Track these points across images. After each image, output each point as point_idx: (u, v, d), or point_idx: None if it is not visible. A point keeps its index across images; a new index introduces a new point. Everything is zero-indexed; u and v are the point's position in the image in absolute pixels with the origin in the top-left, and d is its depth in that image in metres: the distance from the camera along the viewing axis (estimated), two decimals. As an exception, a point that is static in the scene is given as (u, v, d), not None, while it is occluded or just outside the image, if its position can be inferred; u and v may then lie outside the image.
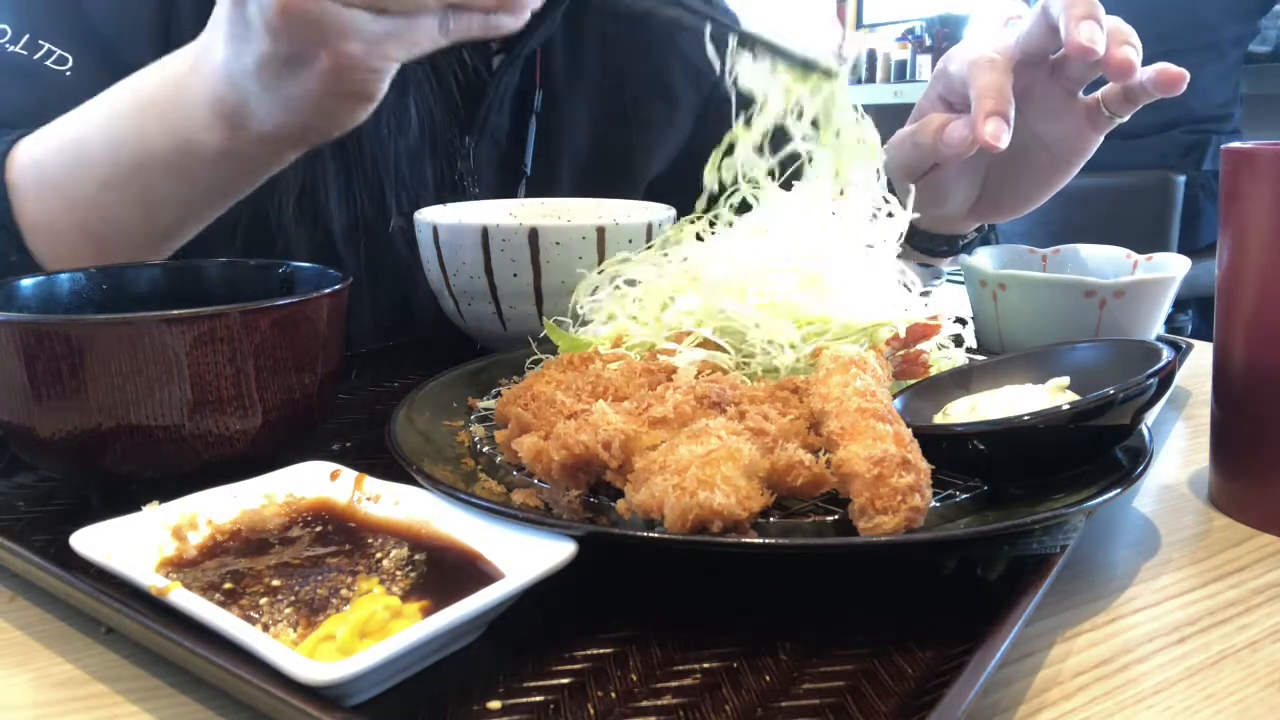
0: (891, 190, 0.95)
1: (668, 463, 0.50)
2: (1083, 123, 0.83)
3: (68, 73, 0.84)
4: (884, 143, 0.92)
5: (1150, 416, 0.58)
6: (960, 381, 0.64)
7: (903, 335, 0.68)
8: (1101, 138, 0.85)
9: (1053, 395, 0.57)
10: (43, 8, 0.86)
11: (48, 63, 0.84)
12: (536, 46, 1.05)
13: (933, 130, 0.81)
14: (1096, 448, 0.56)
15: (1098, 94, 0.83)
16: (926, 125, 0.82)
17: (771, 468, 0.51)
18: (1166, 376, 0.54)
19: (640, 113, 1.14)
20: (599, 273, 0.80)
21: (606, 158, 1.12)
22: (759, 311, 0.69)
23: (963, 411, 0.59)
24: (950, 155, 0.81)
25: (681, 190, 1.07)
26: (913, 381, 0.66)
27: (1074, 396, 0.56)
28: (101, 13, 0.86)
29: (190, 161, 0.72)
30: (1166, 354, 0.55)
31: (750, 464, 0.50)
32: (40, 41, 0.83)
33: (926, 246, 0.97)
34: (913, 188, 0.79)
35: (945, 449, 0.55)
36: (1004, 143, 0.74)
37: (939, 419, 0.60)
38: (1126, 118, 0.82)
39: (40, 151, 0.77)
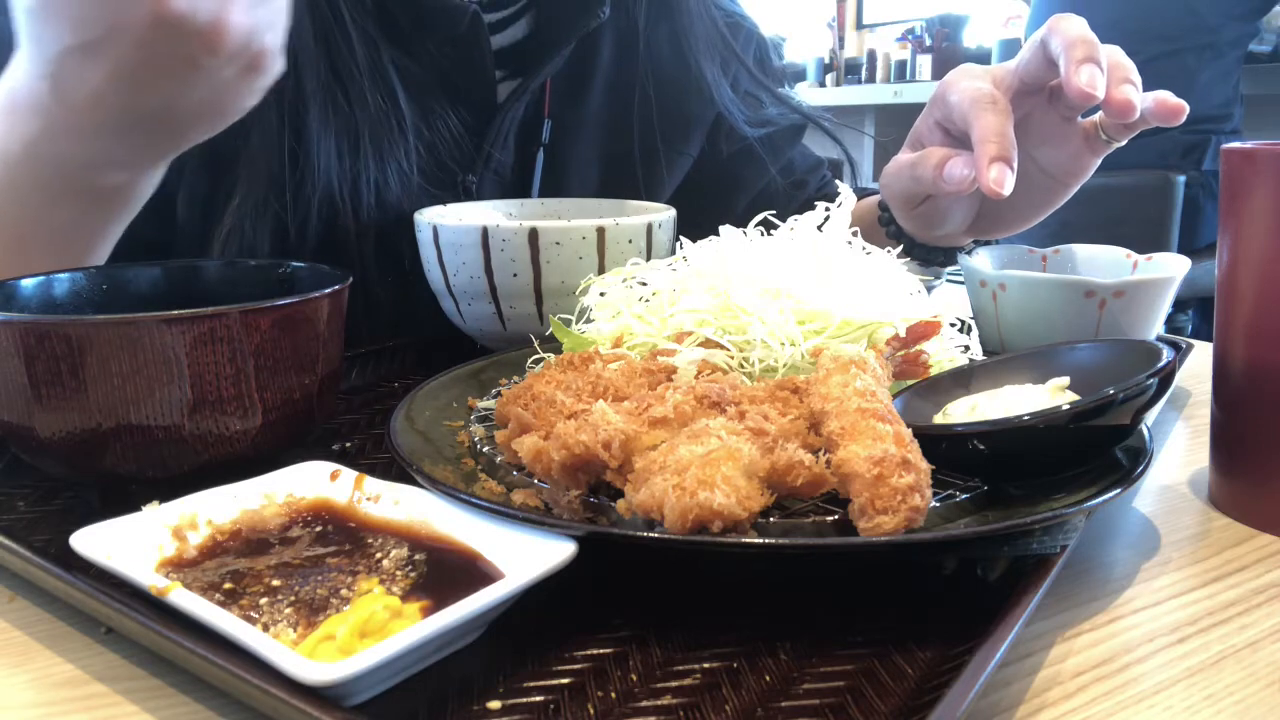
0: (888, 212, 0.96)
1: (668, 463, 0.50)
2: (1081, 147, 0.83)
3: None
4: (885, 164, 0.92)
5: (1150, 416, 0.58)
6: (960, 381, 0.64)
7: (903, 335, 0.68)
8: (1099, 161, 0.85)
9: (1053, 395, 0.57)
10: None
11: None
12: (546, 79, 1.04)
13: (932, 166, 0.81)
14: (1097, 448, 0.56)
15: (1095, 119, 0.82)
16: (926, 160, 0.82)
17: (771, 468, 0.51)
18: (1167, 376, 0.54)
19: (651, 143, 1.14)
20: (612, 274, 0.80)
21: (614, 187, 1.12)
22: (763, 298, 0.69)
23: (963, 411, 0.59)
24: (950, 193, 0.80)
25: (688, 203, 1.07)
26: (913, 381, 0.66)
27: (1074, 396, 0.56)
28: None
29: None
30: (1166, 354, 0.55)
31: (750, 464, 0.50)
32: None
33: (923, 257, 0.97)
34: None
35: (945, 449, 0.55)
36: (1008, 189, 0.73)
37: (939, 419, 0.60)
38: (1124, 142, 0.82)
39: None
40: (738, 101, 1.18)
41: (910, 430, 0.52)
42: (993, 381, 0.63)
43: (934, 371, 0.68)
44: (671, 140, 1.15)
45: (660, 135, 1.13)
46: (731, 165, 1.20)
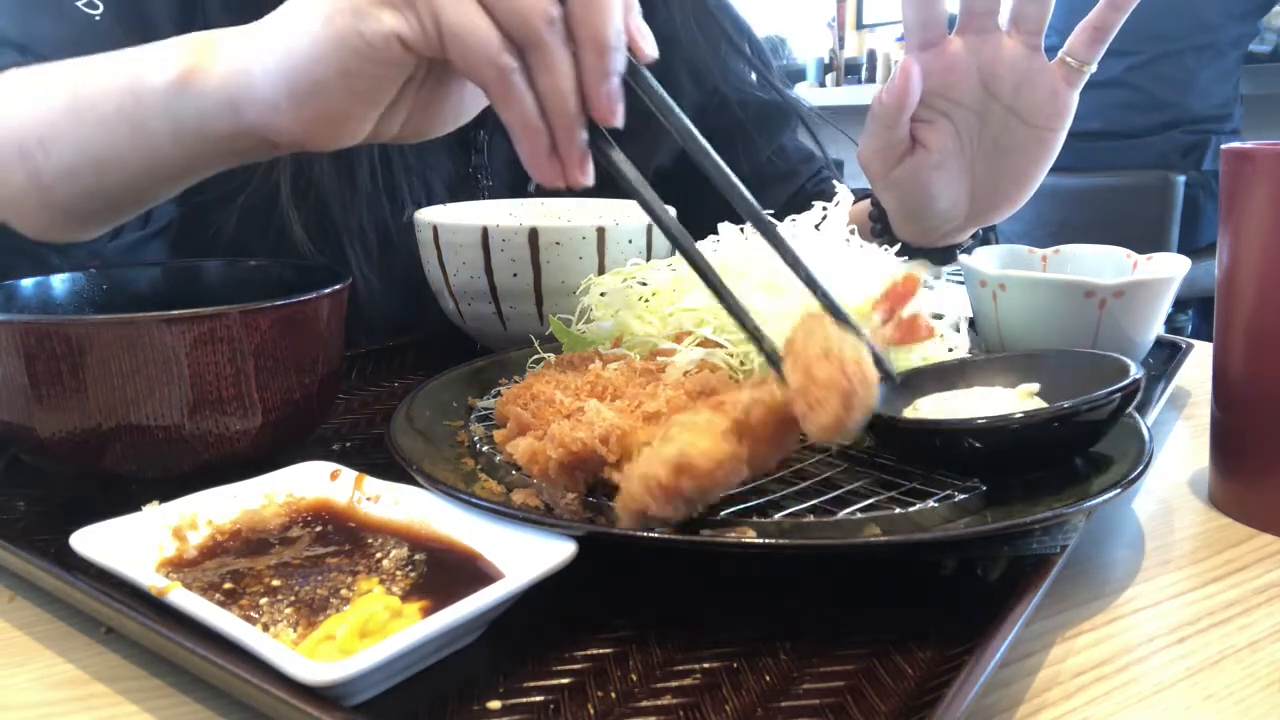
0: (880, 222, 0.95)
1: (640, 456, 0.50)
2: (1055, 82, 0.81)
3: (97, 17, 0.85)
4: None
5: (1150, 417, 0.58)
6: (940, 378, 0.65)
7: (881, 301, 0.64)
8: (1077, 95, 0.82)
9: (1021, 399, 0.59)
10: None
11: (78, 3, 0.84)
12: None
13: (873, 100, 0.82)
14: (1053, 453, 0.57)
15: (1061, 52, 0.82)
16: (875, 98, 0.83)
17: (732, 423, 0.49)
18: (1128, 396, 0.55)
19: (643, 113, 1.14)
20: (612, 274, 0.80)
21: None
22: (758, 293, 0.69)
23: (930, 407, 0.61)
24: (891, 102, 0.80)
25: (684, 182, 1.07)
26: (926, 364, 0.66)
27: (1041, 403, 0.58)
28: None
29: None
30: (1134, 372, 0.56)
31: (707, 424, 0.49)
32: None
33: (925, 258, 0.97)
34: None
35: (912, 442, 0.58)
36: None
37: (908, 413, 0.62)
38: (1095, 65, 0.80)
39: (18, 113, 0.70)
40: (726, 76, 1.18)
41: (870, 355, 0.51)
42: (970, 381, 0.64)
43: (935, 341, 0.68)
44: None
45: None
46: (719, 145, 1.21)
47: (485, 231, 0.84)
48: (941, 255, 0.96)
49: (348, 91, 0.58)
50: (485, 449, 0.62)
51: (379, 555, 0.50)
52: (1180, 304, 2.85)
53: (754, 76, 1.22)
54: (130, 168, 0.67)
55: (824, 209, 0.79)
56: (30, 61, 0.76)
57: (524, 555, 0.47)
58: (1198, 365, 0.88)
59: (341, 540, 0.52)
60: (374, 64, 0.56)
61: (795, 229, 0.79)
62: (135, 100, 0.65)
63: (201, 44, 0.63)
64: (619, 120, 0.55)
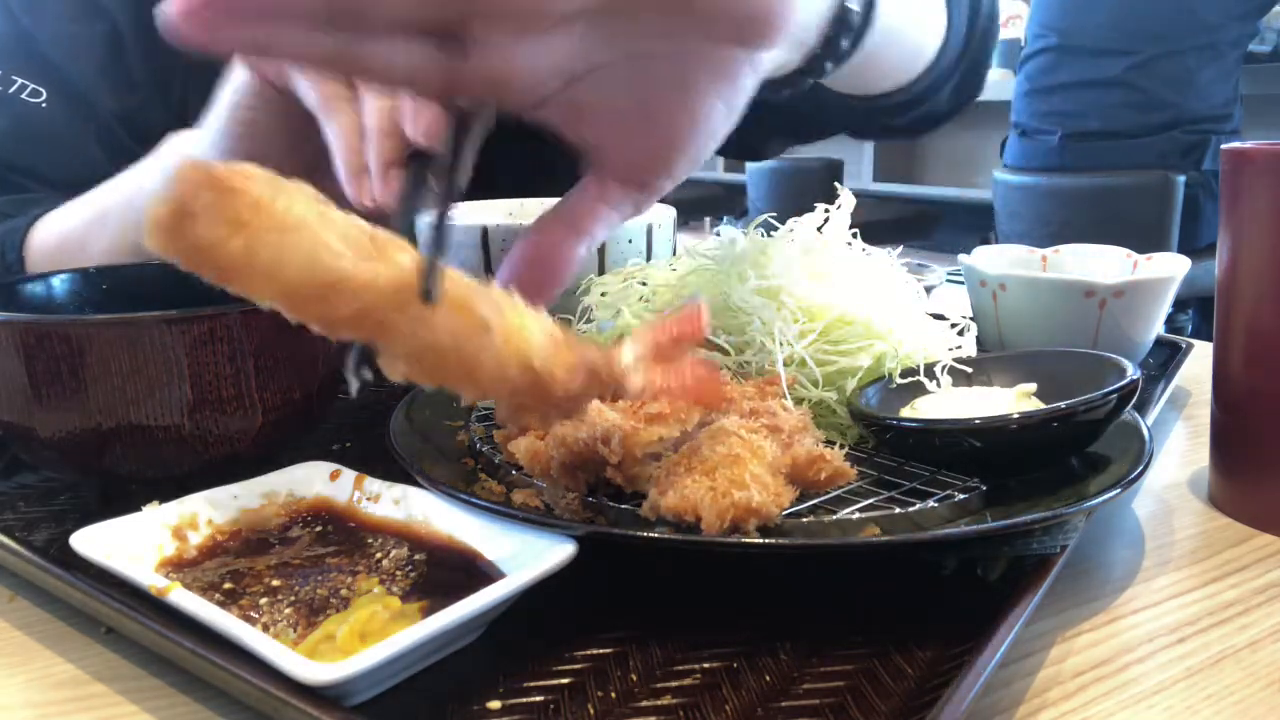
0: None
1: (693, 464, 0.50)
2: None
3: (43, 104, 0.92)
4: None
5: (1150, 417, 0.58)
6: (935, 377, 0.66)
7: (653, 342, 0.46)
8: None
9: (1018, 400, 0.59)
10: (11, 49, 0.93)
11: (22, 95, 0.91)
12: None
13: None
14: (1053, 454, 0.57)
15: None
16: None
17: (793, 463, 0.51)
18: (1125, 396, 0.55)
19: None
20: (612, 274, 0.80)
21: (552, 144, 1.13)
22: (759, 298, 0.69)
23: (928, 407, 0.62)
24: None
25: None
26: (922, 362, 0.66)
27: (1039, 403, 0.59)
28: (59, 55, 0.93)
29: None
30: (1132, 373, 0.57)
31: (774, 461, 0.51)
32: (13, 77, 0.91)
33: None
34: None
35: (912, 443, 0.58)
36: None
37: (906, 412, 0.62)
38: None
39: (56, 233, 0.84)
40: None
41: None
42: (969, 380, 0.65)
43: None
44: None
45: None
46: None
47: (485, 231, 0.84)
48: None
49: (237, 125, 0.67)
50: (485, 449, 0.62)
51: (379, 555, 0.50)
52: (1180, 304, 2.85)
53: None
54: (139, 256, 0.78)
55: (825, 210, 0.79)
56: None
57: (524, 555, 0.47)
58: (1198, 365, 0.88)
59: (341, 540, 0.52)
60: (248, 96, 0.66)
61: (797, 230, 0.79)
62: (139, 194, 0.77)
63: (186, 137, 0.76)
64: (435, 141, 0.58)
